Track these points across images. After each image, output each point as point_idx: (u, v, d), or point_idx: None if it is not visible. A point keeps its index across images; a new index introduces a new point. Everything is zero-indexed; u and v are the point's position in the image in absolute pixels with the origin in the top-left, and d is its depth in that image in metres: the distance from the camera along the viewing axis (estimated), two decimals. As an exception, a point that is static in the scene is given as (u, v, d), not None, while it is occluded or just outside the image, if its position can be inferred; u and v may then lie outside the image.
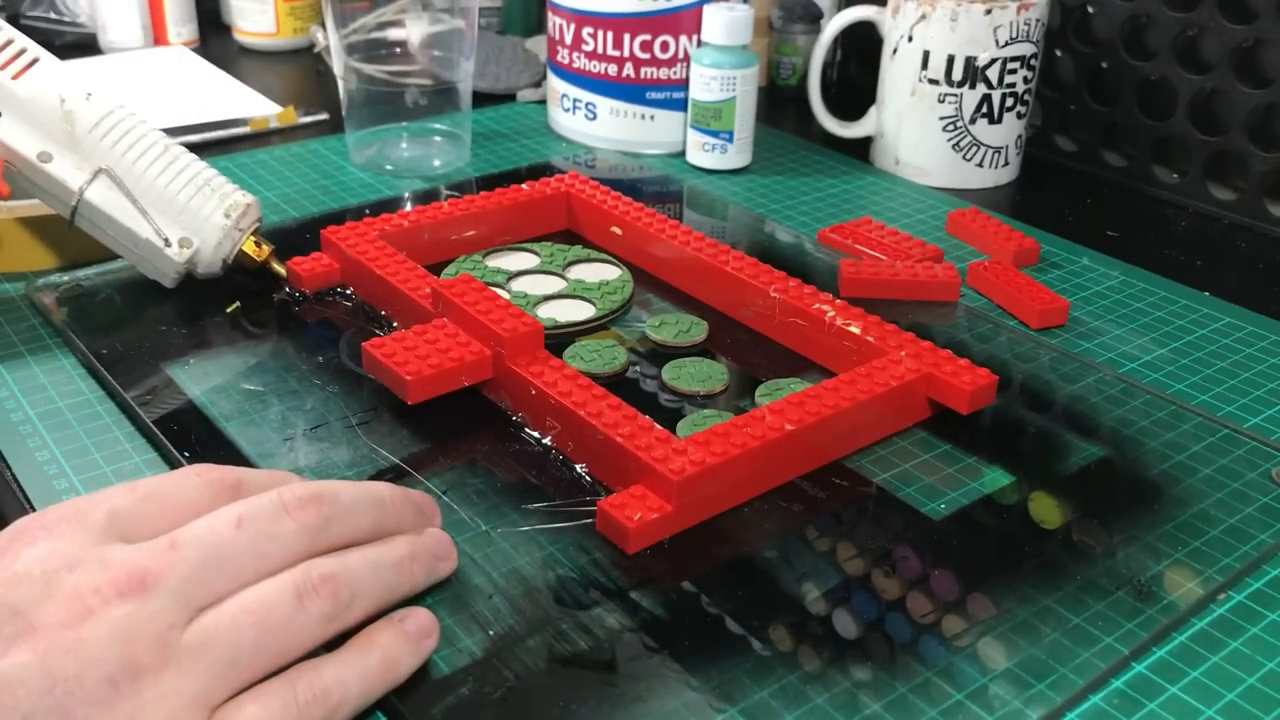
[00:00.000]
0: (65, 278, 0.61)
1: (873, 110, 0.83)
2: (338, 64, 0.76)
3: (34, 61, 0.56)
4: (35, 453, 0.48)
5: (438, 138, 0.79)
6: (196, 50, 1.05)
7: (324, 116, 0.87)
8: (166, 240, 0.57)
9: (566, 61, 0.83)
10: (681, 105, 0.81)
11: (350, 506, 0.38)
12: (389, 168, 0.78)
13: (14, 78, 0.55)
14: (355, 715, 0.35)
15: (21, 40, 0.57)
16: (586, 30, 0.80)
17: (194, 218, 0.57)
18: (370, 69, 0.76)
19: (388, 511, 0.39)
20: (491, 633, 0.39)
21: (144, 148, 0.57)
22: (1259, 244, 0.74)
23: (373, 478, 0.46)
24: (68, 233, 0.62)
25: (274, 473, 0.40)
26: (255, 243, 0.59)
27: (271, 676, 0.34)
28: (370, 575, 0.37)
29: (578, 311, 0.59)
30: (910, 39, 0.77)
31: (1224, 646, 0.40)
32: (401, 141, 0.79)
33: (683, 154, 0.82)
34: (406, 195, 0.74)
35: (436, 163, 0.79)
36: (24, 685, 0.30)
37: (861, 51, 0.95)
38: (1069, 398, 0.54)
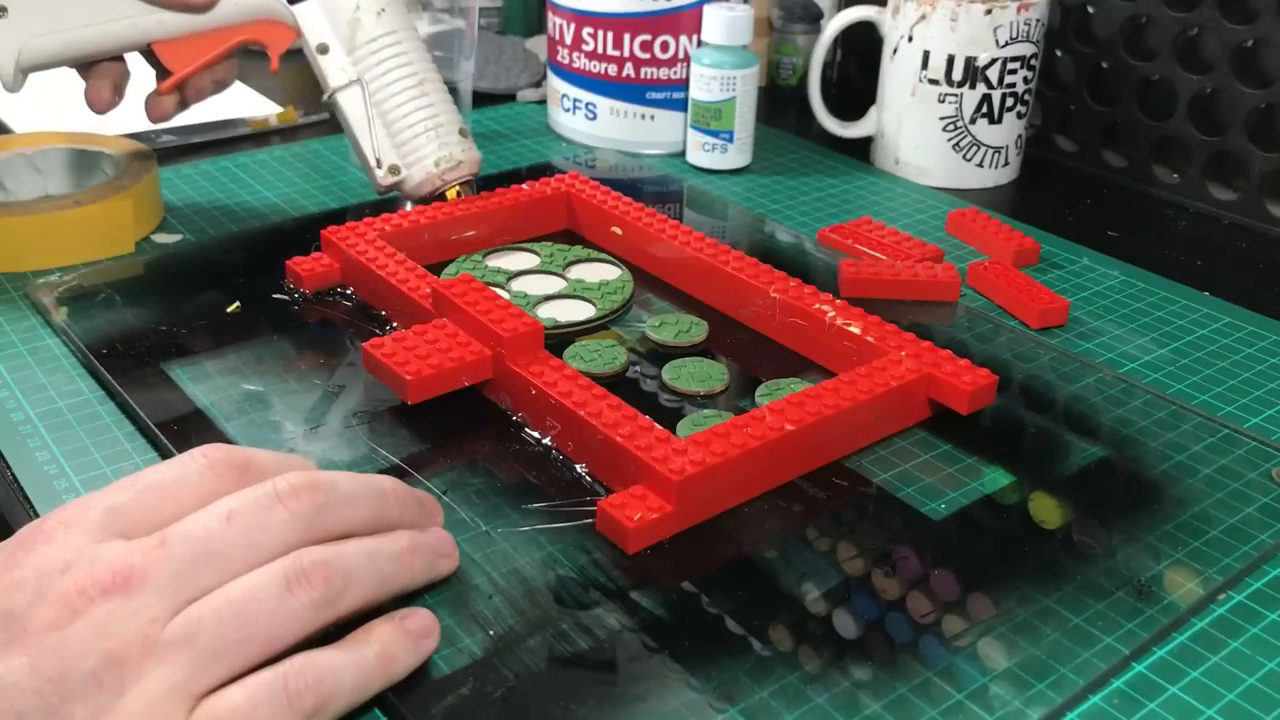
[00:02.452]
0: (65, 278, 0.61)
1: (873, 110, 0.83)
2: None
3: None
4: (35, 453, 0.48)
5: None
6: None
7: (324, 116, 0.87)
8: (379, 162, 0.63)
9: (566, 61, 0.83)
10: (681, 105, 0.81)
11: (348, 495, 0.38)
12: None
13: None
14: (349, 708, 0.35)
15: None
16: (586, 30, 0.80)
17: (411, 153, 0.64)
18: None
19: (389, 503, 0.39)
20: (491, 633, 0.39)
21: (401, 75, 0.63)
22: (1259, 244, 0.74)
23: (373, 478, 0.46)
24: (68, 232, 0.63)
25: (285, 456, 0.40)
26: (458, 192, 0.65)
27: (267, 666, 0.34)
28: (365, 564, 0.37)
29: (578, 311, 0.59)
30: (910, 39, 0.77)
31: (1224, 646, 0.40)
32: None
33: (683, 154, 0.82)
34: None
35: None
36: (16, 687, 0.31)
37: (861, 51, 0.95)
38: (1069, 398, 0.54)
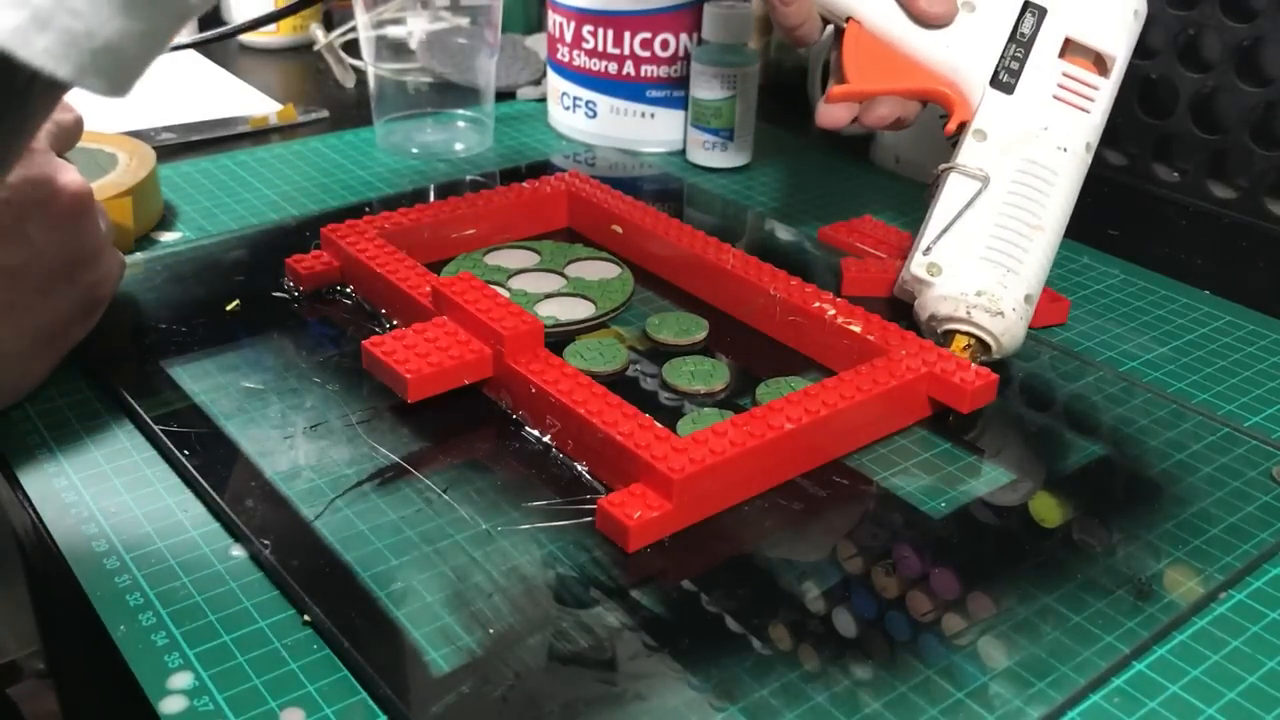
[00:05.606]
0: (65, 276, 0.61)
1: (873, 108, 0.83)
2: (367, 53, 0.79)
3: None
4: (35, 452, 0.48)
5: (461, 123, 0.82)
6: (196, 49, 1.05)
7: (324, 115, 0.87)
8: (927, 250, 0.57)
9: (567, 59, 0.83)
10: (682, 103, 0.81)
11: None
12: (414, 150, 0.81)
13: None
14: None
15: None
16: (587, 28, 0.80)
17: (962, 269, 0.56)
18: (394, 66, 0.79)
19: None
20: (492, 631, 0.39)
21: (1026, 210, 0.56)
22: (1259, 243, 0.74)
23: (373, 476, 0.46)
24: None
25: None
26: (966, 346, 0.55)
27: None
28: None
29: (578, 310, 0.59)
30: (910, 37, 0.77)
31: (1225, 645, 0.40)
32: (427, 126, 0.82)
33: (683, 152, 0.82)
34: (413, 189, 0.74)
35: (459, 145, 0.81)
36: None
37: (862, 50, 0.95)
38: (1069, 396, 0.54)
